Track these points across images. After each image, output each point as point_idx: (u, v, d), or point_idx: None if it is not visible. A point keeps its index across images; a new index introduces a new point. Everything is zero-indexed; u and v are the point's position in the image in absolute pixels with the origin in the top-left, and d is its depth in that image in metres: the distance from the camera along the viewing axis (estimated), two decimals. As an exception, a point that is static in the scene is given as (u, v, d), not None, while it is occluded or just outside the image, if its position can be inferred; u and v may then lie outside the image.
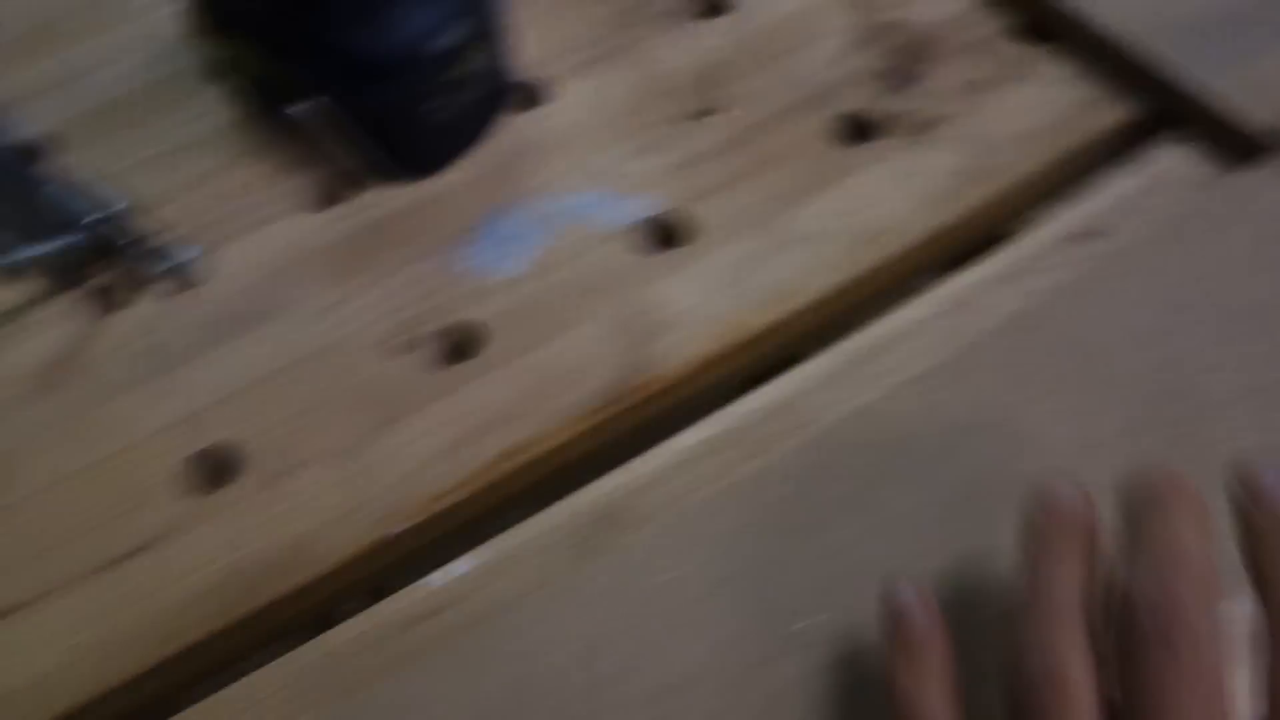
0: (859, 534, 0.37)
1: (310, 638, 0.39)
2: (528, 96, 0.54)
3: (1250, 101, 0.49)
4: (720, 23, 0.57)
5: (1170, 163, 0.50)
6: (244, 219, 0.50)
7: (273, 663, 0.38)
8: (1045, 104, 0.53)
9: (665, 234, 0.48)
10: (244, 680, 0.38)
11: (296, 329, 0.46)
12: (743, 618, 0.36)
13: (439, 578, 0.40)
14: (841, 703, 0.34)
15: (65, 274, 0.48)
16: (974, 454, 0.39)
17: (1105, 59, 0.53)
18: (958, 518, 0.37)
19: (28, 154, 0.52)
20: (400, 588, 0.40)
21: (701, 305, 0.46)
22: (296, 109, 0.45)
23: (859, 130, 0.52)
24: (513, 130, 0.52)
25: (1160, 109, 0.52)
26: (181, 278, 0.48)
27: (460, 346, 0.46)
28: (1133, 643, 0.25)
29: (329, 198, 0.51)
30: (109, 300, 0.49)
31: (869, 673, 0.35)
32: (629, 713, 0.34)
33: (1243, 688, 0.25)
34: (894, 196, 0.49)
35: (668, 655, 0.35)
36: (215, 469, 0.44)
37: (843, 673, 0.35)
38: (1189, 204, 0.46)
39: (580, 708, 0.34)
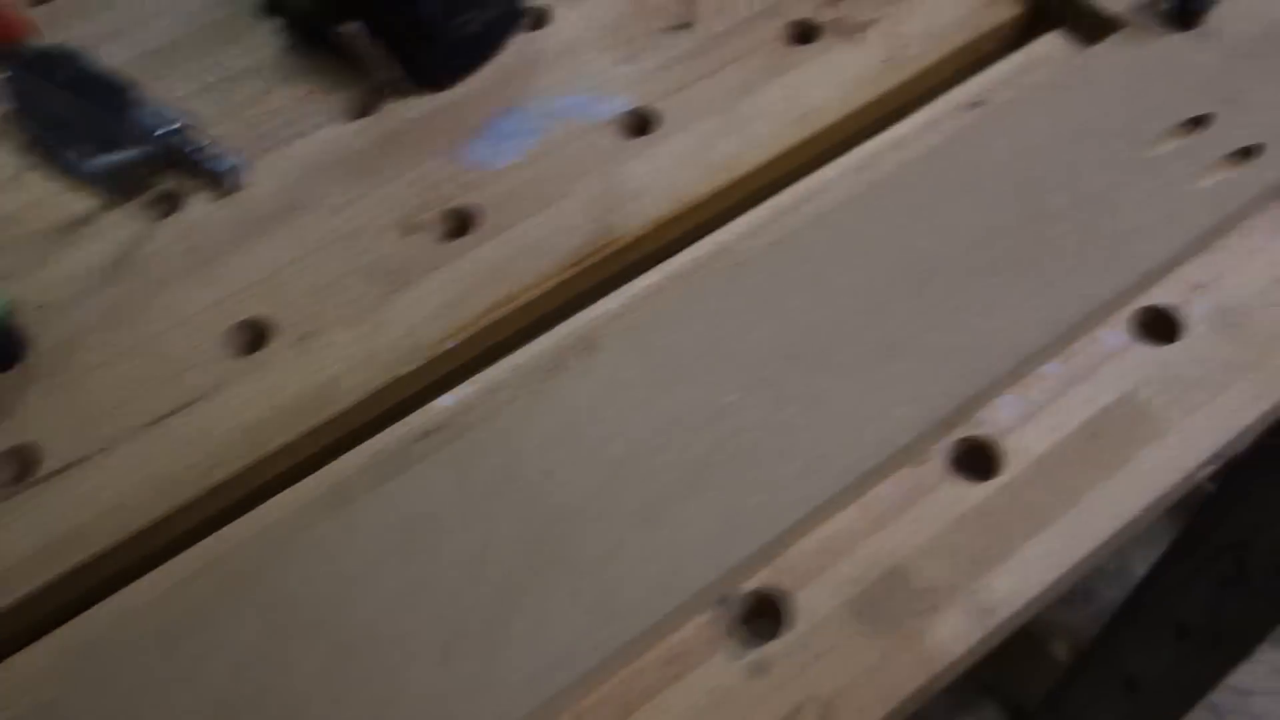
0: (771, 332, 0.50)
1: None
2: (535, 19, 0.67)
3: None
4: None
5: (1046, 48, 0.62)
6: (285, 131, 0.63)
7: (307, 478, 0.49)
8: (953, 5, 0.65)
9: (639, 124, 0.62)
10: (286, 491, 0.49)
11: (320, 221, 0.57)
12: (685, 399, 0.49)
13: (434, 405, 0.51)
14: (766, 448, 0.47)
15: (132, 182, 0.59)
16: (870, 265, 0.52)
17: (1005, -35, 0.65)
18: (861, 311, 0.50)
19: (109, 81, 0.61)
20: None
21: (663, 178, 0.59)
22: (342, 28, 0.59)
23: (804, 34, 0.65)
24: (520, 47, 0.66)
25: (1043, 4, 0.64)
26: (229, 183, 0.59)
27: (460, 226, 0.58)
28: None
29: (360, 110, 0.64)
30: (167, 205, 0.59)
31: (779, 426, 0.48)
32: (587, 471, 0.47)
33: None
34: (828, 84, 0.62)
35: (623, 431, 0.48)
36: (251, 337, 0.53)
37: (761, 430, 0.48)
38: (1051, 75, 0.59)
39: (543, 482, 0.47)
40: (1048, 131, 0.56)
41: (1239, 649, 0.85)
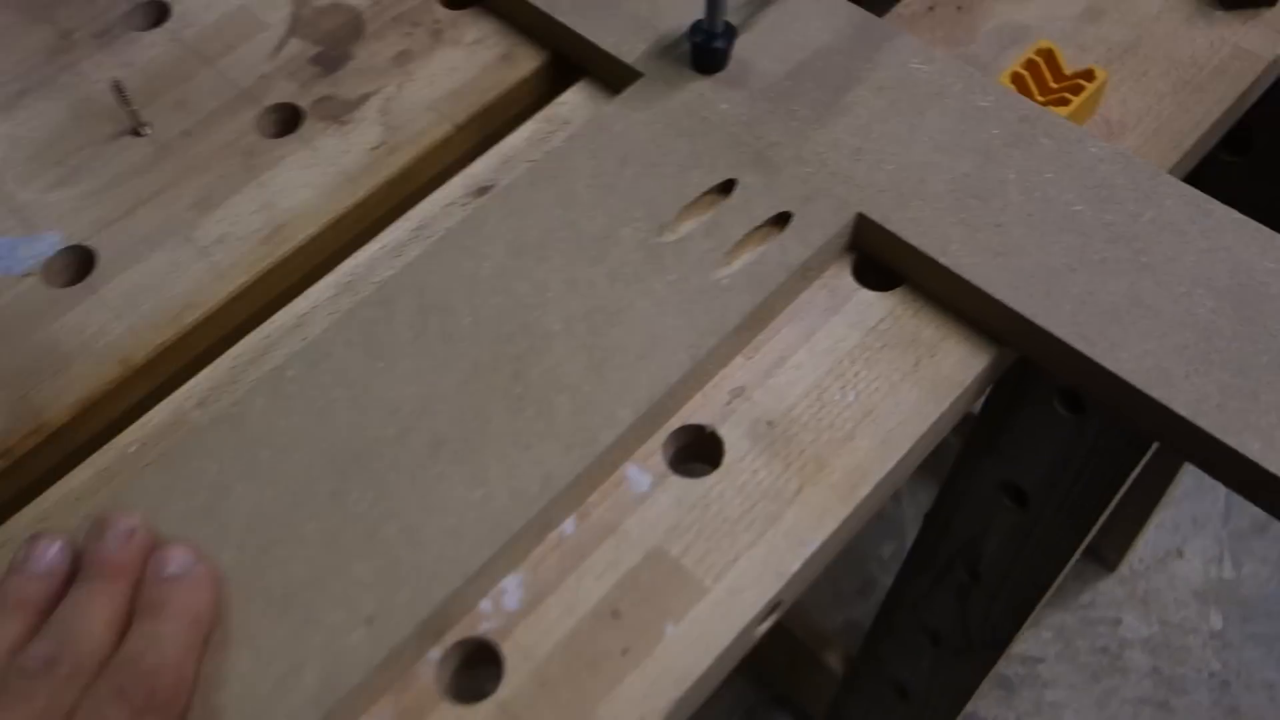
0: (211, 534, 0.39)
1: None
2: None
3: (627, 39, 0.52)
4: (159, 33, 0.57)
5: (568, 107, 0.53)
6: None
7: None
8: (463, 65, 0.54)
9: (74, 268, 0.49)
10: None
11: None
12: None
13: None
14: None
15: None
16: (332, 432, 0.41)
17: (517, 13, 0.55)
18: (311, 502, 0.39)
19: None
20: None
21: (102, 337, 0.46)
22: None
23: (287, 121, 0.54)
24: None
25: (565, 56, 0.54)
26: None
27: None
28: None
29: None
30: None
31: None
32: None
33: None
34: (310, 186, 0.51)
35: None
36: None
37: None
38: (568, 143, 0.49)
39: None
40: (554, 219, 0.46)
41: (992, 648, 0.84)
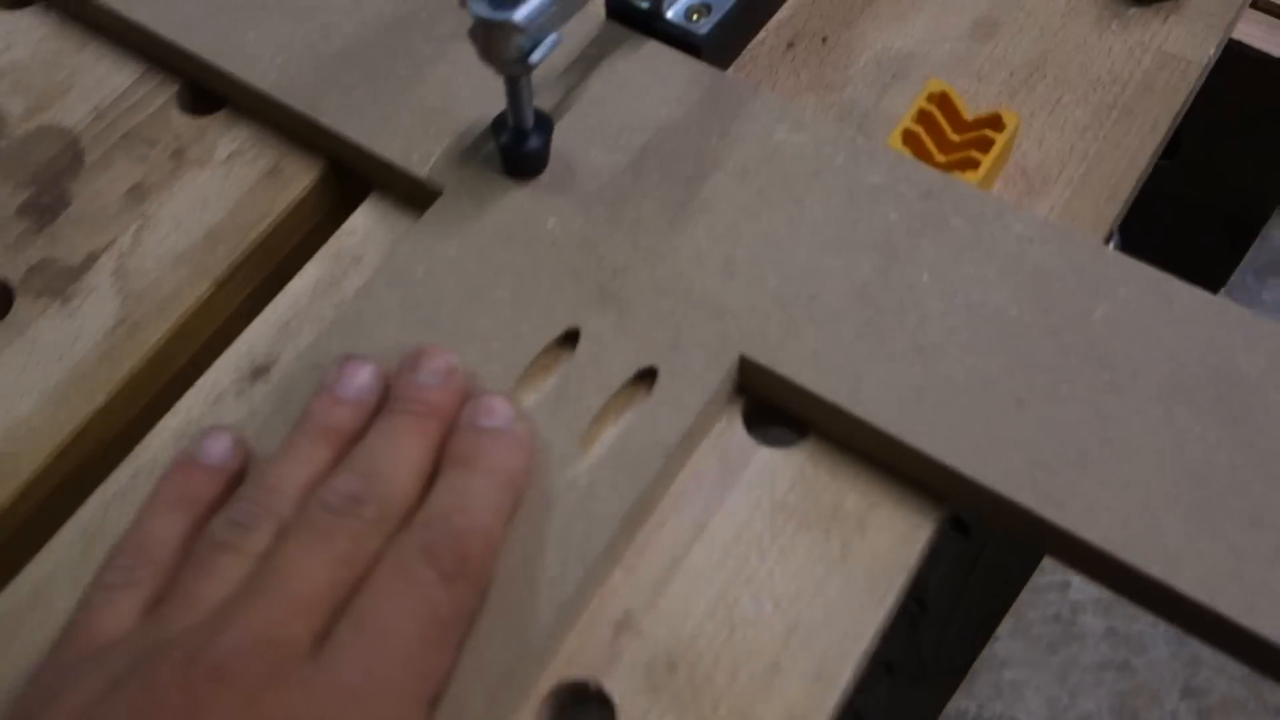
0: None
1: None
2: None
3: (418, 143, 0.40)
4: None
5: (361, 233, 0.41)
6: None
7: None
8: (220, 193, 0.43)
9: None
10: None
11: None
12: None
13: None
14: None
15: None
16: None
17: (275, 114, 0.43)
18: None
19: None
20: None
21: None
22: None
23: (-5, 303, 0.41)
24: None
25: (342, 167, 0.43)
26: None
27: None
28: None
29: None
30: None
31: None
32: None
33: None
34: (29, 391, 0.39)
35: None
36: None
37: None
38: (366, 291, 0.37)
39: None
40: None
41: (949, 675, 0.83)
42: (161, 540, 0.31)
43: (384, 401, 0.33)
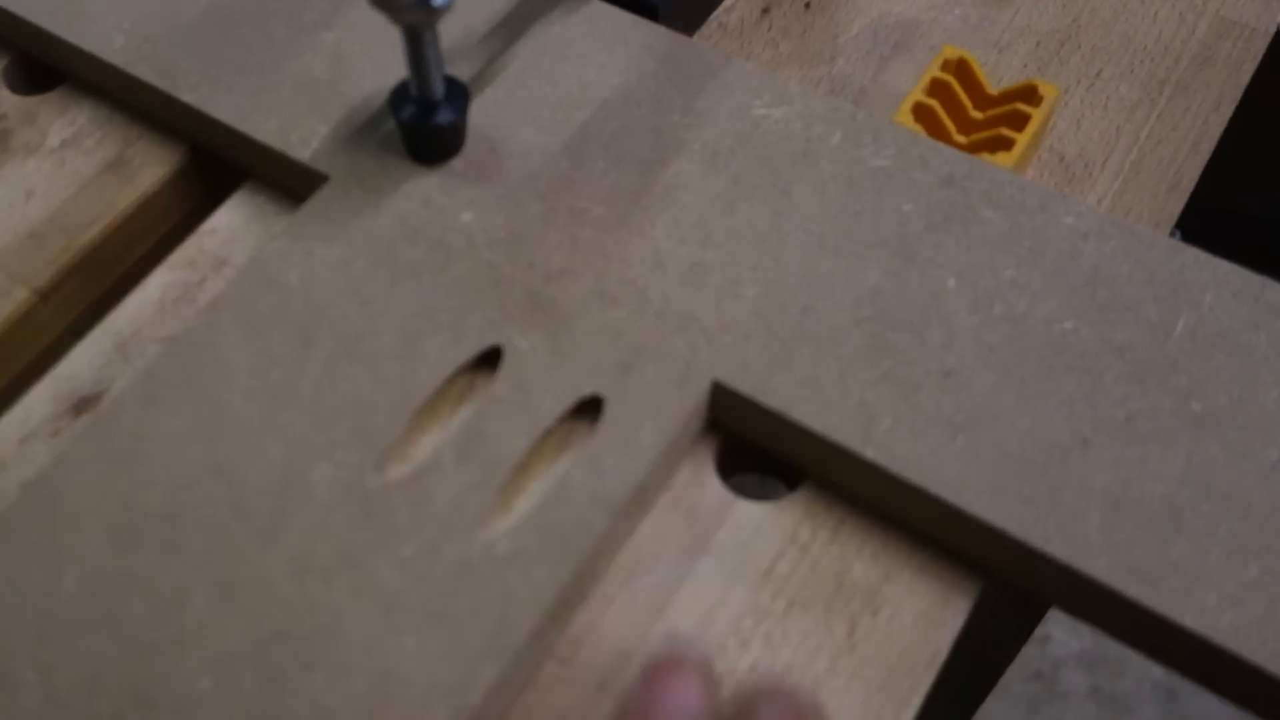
0: None
1: None
2: None
3: (298, 121, 0.32)
4: None
5: (226, 233, 0.32)
6: None
7: None
8: (49, 186, 0.33)
9: None
10: None
11: None
12: None
13: None
14: None
15: None
16: None
17: (124, 91, 0.34)
18: None
19: None
20: None
21: None
22: None
23: None
24: None
25: (206, 154, 0.34)
26: None
27: None
28: None
29: None
30: None
31: None
32: None
33: None
34: None
35: None
36: None
37: None
38: (221, 301, 0.28)
39: None
40: (193, 460, 0.26)
41: None
42: None
43: None
